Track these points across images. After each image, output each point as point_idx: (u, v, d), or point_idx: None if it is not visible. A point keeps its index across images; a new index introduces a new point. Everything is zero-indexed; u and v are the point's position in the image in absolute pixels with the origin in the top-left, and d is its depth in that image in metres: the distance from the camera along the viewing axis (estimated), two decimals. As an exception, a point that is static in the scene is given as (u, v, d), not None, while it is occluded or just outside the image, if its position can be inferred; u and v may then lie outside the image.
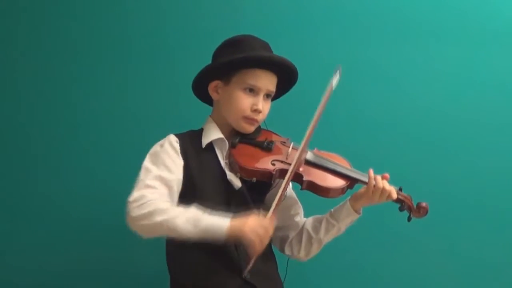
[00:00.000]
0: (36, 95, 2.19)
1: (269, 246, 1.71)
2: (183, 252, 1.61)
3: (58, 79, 2.19)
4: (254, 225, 1.45)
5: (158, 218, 1.46)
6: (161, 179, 1.56)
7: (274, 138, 1.72)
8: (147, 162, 1.60)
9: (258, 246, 1.45)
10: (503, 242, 2.16)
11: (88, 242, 2.14)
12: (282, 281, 1.74)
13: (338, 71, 1.61)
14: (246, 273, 1.57)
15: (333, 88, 1.59)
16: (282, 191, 1.53)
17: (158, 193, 1.53)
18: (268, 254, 1.70)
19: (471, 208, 2.16)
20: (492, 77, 2.19)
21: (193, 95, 1.78)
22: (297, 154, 1.58)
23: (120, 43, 2.20)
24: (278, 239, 1.78)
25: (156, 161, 1.60)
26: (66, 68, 2.19)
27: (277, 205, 1.52)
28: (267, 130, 1.75)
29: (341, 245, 2.01)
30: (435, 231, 2.14)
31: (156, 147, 1.64)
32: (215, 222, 1.46)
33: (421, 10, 2.21)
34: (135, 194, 1.51)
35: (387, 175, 1.66)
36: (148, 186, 1.53)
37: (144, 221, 1.47)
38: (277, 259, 1.75)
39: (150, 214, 1.46)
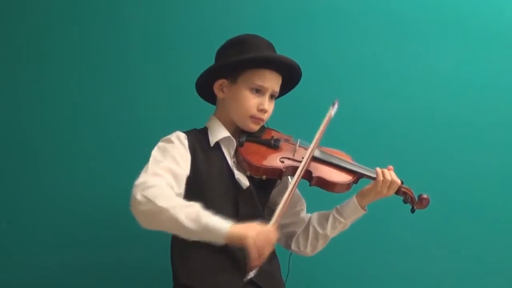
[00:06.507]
0: (37, 94, 2.17)
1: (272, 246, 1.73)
2: (189, 248, 1.59)
3: (58, 78, 2.17)
4: (256, 235, 1.39)
5: (161, 204, 1.41)
6: (170, 170, 1.54)
7: (278, 136, 1.74)
8: (156, 153, 1.58)
9: (257, 258, 1.40)
10: (503, 242, 2.17)
11: (89, 243, 2.12)
12: (284, 281, 1.75)
13: (336, 103, 1.70)
14: (245, 278, 1.48)
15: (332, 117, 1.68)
16: (292, 189, 1.54)
17: (165, 182, 1.50)
18: (272, 254, 1.70)
19: (471, 208, 2.17)
20: (492, 77, 2.21)
21: (194, 94, 1.79)
22: (307, 154, 1.61)
23: (121, 42, 2.19)
24: (284, 235, 1.80)
25: (165, 154, 1.58)
26: (67, 68, 2.18)
27: (282, 209, 1.49)
28: (270, 128, 1.78)
29: (342, 245, 2.04)
30: (436, 231, 2.16)
31: (164, 141, 1.64)
32: (216, 222, 1.42)
33: (421, 10, 2.22)
34: (143, 178, 1.49)
35: (391, 167, 1.70)
36: (157, 174, 1.51)
37: (147, 206, 1.42)
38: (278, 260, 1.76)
39: (154, 198, 1.42)
